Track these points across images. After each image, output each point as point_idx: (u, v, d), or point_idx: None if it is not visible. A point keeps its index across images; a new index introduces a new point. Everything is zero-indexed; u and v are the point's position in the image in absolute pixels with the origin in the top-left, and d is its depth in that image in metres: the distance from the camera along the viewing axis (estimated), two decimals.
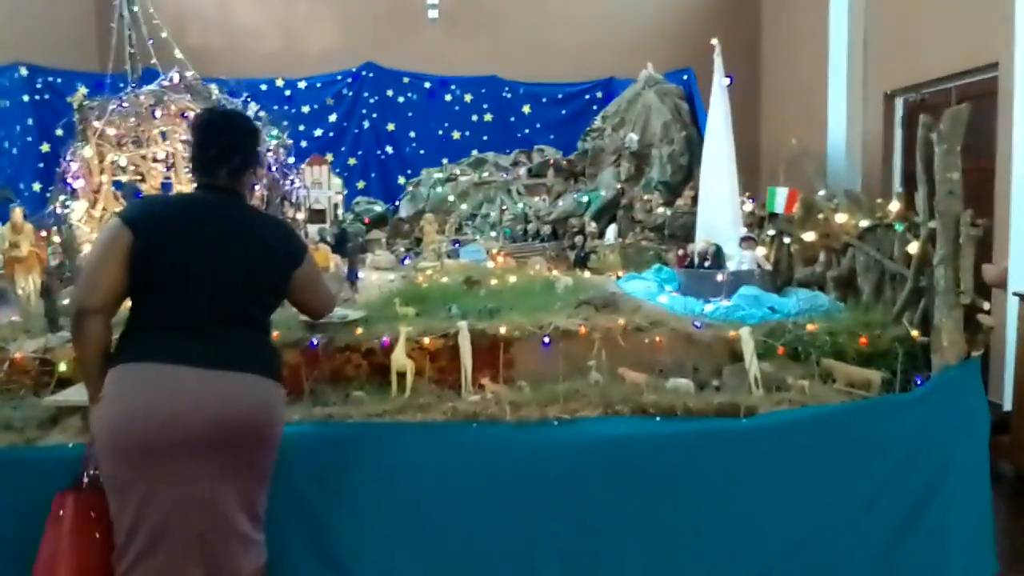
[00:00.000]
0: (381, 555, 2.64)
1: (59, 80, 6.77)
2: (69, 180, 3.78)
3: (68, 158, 3.85)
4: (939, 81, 5.55)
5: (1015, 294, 4.23)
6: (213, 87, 4.77)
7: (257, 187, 3.99)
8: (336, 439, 2.65)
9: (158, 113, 4.26)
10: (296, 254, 2.36)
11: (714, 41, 4.37)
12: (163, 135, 4.52)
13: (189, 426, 2.06)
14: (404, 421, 2.70)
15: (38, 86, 6.81)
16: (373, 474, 2.64)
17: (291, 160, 4.72)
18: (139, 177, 4.33)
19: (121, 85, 4.92)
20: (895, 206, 3.23)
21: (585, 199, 6.69)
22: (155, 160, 4.29)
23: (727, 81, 4.39)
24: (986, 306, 2.74)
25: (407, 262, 5.93)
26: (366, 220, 6.90)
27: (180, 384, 2.08)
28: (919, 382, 2.77)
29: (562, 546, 2.64)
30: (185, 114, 4.36)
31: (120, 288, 2.14)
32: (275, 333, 3.00)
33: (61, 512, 2.20)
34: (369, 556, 2.63)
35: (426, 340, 3.02)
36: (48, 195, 4.50)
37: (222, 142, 2.30)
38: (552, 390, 2.82)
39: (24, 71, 6.73)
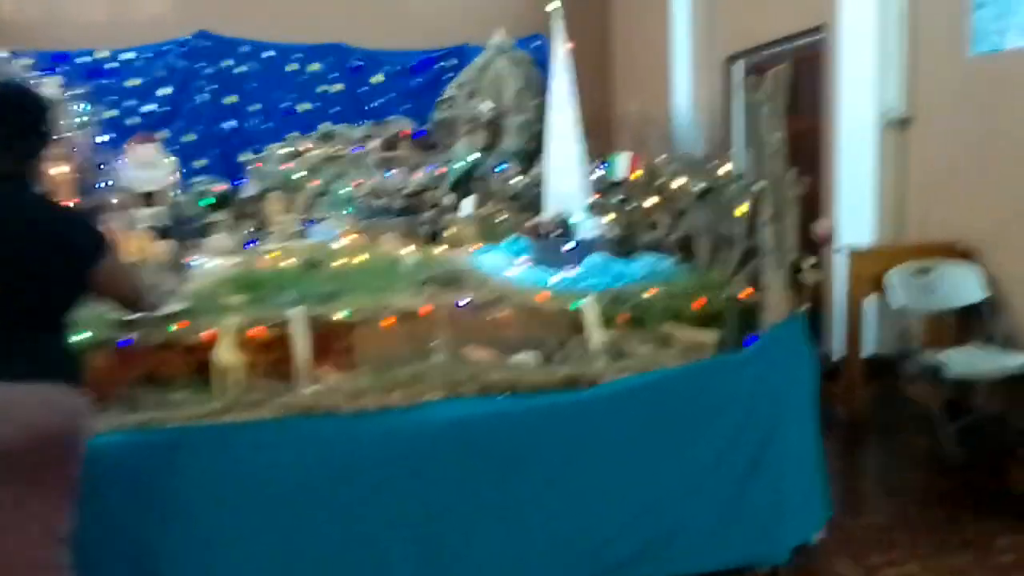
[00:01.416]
0: (217, 567, 2.46)
1: None
2: None
3: None
4: (774, 44, 5.77)
5: (841, 249, 4.49)
6: (19, 62, 4.18)
7: (64, 170, 3.57)
8: (154, 447, 2.43)
9: None
10: (94, 247, 2.13)
11: (551, 6, 4.31)
12: None
13: None
14: (231, 421, 2.51)
15: None
16: (200, 481, 2.45)
17: (105, 139, 4.24)
18: None
19: None
20: (727, 168, 3.31)
21: (441, 171, 6.55)
22: None
23: (568, 46, 4.34)
24: (809, 262, 2.84)
25: (252, 245, 5.60)
26: (211, 199, 6.45)
27: None
28: (750, 341, 2.85)
29: (413, 534, 2.56)
30: None
31: None
32: (85, 333, 2.73)
33: None
34: (203, 570, 2.44)
35: (256, 331, 2.82)
36: None
37: (4, 123, 2.03)
38: (394, 375, 2.70)
39: None
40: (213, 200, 6.60)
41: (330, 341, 2.86)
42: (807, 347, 2.94)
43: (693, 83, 6.78)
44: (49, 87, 3.72)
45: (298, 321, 2.79)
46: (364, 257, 3.79)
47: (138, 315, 2.67)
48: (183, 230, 5.41)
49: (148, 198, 5.92)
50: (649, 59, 7.43)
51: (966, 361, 3.73)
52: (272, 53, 7.52)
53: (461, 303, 2.97)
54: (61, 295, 2.10)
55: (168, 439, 2.45)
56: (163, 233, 5.01)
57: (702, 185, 3.44)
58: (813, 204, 5.04)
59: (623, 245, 4.00)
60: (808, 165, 5.04)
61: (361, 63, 7.70)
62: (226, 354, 2.72)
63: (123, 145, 5.49)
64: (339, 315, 2.87)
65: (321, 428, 2.54)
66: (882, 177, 4.57)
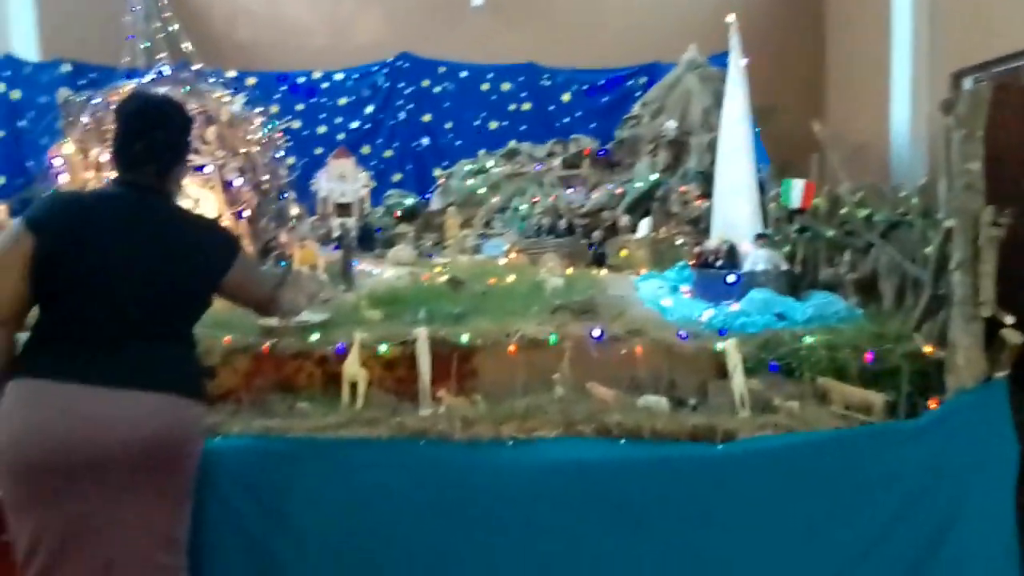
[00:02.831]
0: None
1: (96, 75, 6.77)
2: (52, 177, 3.76)
3: (51, 154, 3.83)
4: (1010, 59, 4.95)
5: None
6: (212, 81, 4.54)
7: (242, 182, 3.86)
8: (274, 454, 2.48)
9: None
10: (226, 258, 2.20)
11: (730, 18, 3.94)
12: None
13: (82, 449, 1.94)
14: (347, 436, 2.51)
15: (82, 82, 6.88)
16: (313, 492, 2.47)
17: (281, 154, 4.54)
18: None
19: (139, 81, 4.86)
20: (918, 202, 2.81)
21: (620, 191, 6.34)
22: None
23: (744, 62, 3.97)
24: (1009, 319, 2.31)
25: (430, 258, 5.76)
26: (396, 214, 6.75)
27: (77, 405, 1.96)
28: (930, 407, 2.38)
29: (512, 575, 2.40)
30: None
31: (21, 298, 2.01)
32: (227, 337, 2.89)
33: None
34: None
35: (383, 347, 2.82)
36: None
37: (150, 136, 2.14)
38: (510, 406, 2.57)
39: (68, 67, 6.79)
40: (402, 213, 6.91)
41: (452, 363, 2.79)
42: (1007, 420, 2.40)
43: (914, 101, 6.00)
44: (235, 104, 4.04)
45: (422, 341, 2.76)
46: (509, 278, 3.70)
47: (274, 322, 2.79)
48: (363, 241, 5.68)
49: (343, 209, 6.32)
50: (866, 76, 6.71)
51: None
52: (466, 73, 7.75)
53: (591, 334, 2.77)
54: (192, 304, 2.20)
55: (286, 448, 2.49)
56: (343, 243, 5.27)
57: (888, 218, 2.95)
58: None
59: (796, 281, 3.57)
60: None
61: (551, 82, 7.71)
62: (353, 368, 2.75)
63: (327, 159, 5.89)
64: (463, 338, 2.79)
65: (432, 453, 2.47)
66: None
